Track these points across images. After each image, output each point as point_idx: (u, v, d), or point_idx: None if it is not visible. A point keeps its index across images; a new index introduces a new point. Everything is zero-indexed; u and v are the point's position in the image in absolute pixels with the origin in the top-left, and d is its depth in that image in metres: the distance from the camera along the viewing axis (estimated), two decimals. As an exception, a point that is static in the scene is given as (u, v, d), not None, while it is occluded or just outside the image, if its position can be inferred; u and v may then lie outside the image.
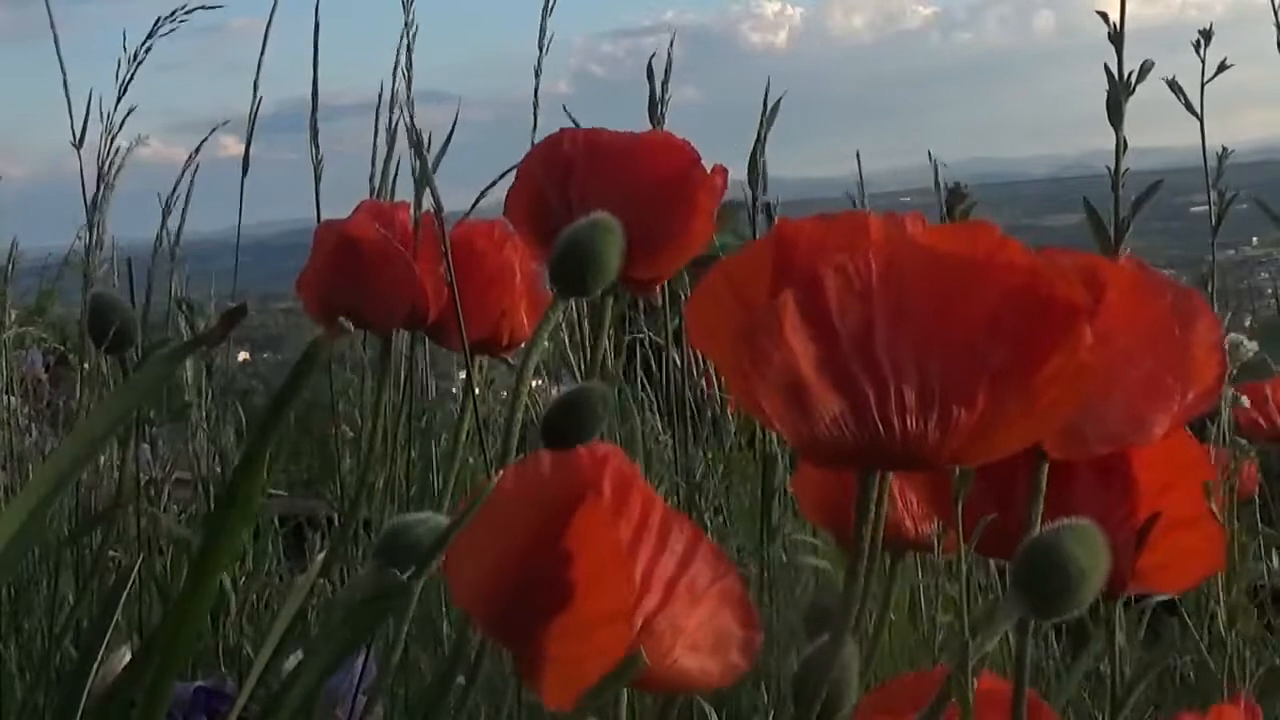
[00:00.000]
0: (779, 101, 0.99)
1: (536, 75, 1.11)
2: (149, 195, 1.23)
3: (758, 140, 1.01)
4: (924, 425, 0.48)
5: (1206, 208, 0.95)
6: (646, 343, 1.28)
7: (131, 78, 1.12)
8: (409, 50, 1.08)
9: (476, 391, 0.97)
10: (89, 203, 1.17)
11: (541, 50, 1.11)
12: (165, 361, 0.44)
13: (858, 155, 1.21)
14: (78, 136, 1.13)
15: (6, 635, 1.11)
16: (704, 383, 1.25)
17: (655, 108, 1.00)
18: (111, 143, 1.14)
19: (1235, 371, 0.90)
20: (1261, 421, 1.56)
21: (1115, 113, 0.69)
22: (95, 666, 0.55)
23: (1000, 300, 0.48)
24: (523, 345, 1.02)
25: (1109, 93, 0.69)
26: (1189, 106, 0.90)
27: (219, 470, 1.23)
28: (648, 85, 1.00)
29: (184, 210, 1.21)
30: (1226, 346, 0.80)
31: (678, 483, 1.11)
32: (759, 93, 1.01)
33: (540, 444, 0.66)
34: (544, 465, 0.53)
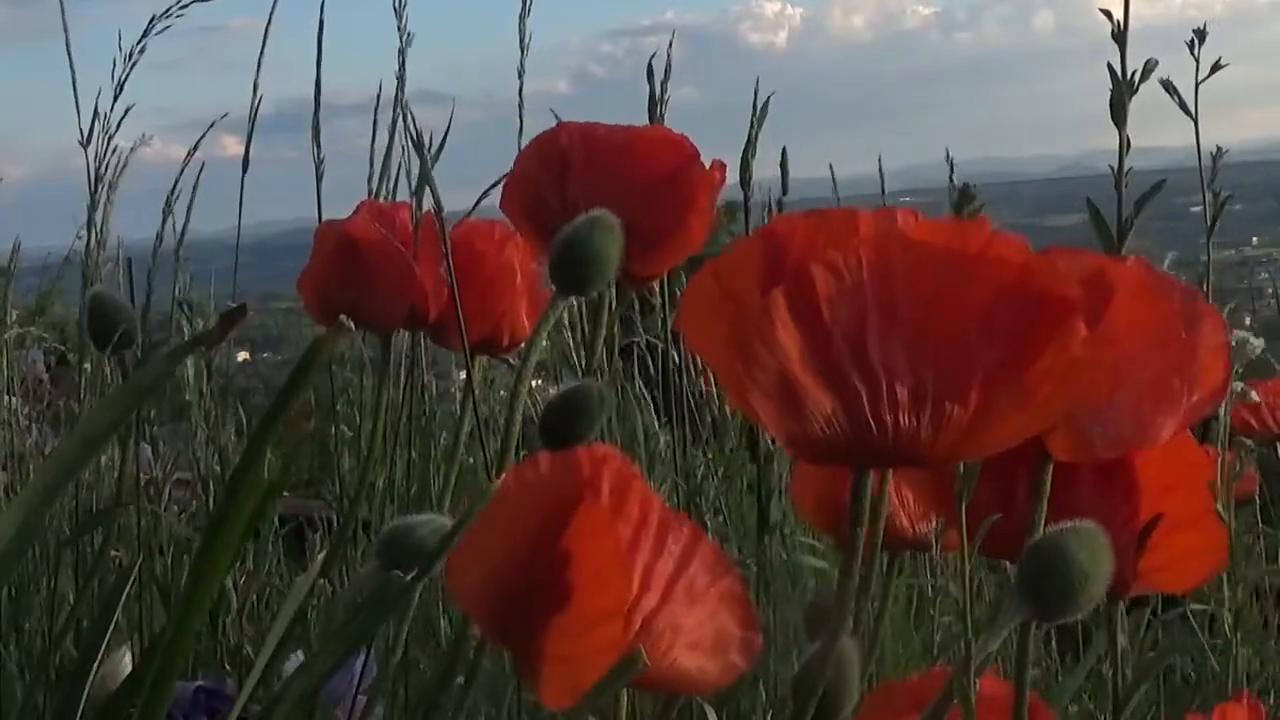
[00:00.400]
0: (768, 100, 0.99)
1: (520, 76, 1.11)
2: (149, 195, 1.23)
3: (749, 141, 1.01)
4: (916, 422, 0.47)
5: (1203, 209, 0.95)
6: (644, 343, 1.28)
7: (127, 77, 1.12)
8: (402, 52, 1.08)
9: (476, 391, 0.97)
10: (90, 202, 1.17)
11: (522, 51, 1.11)
12: (165, 361, 0.44)
13: (879, 159, 1.21)
14: (84, 135, 1.13)
15: (6, 635, 1.11)
16: (703, 382, 1.25)
17: (655, 107, 1.00)
18: (109, 142, 1.14)
19: (1241, 369, 0.90)
20: (1254, 422, 1.55)
21: (1118, 112, 0.69)
22: (95, 666, 0.55)
23: (992, 295, 0.47)
24: (523, 345, 1.02)
25: (1112, 92, 0.69)
26: (1183, 106, 0.90)
27: (219, 470, 1.23)
28: (647, 85, 1.00)
29: (188, 209, 1.21)
30: (1234, 343, 0.80)
31: (678, 483, 1.11)
32: (760, 92, 1.01)
33: (539, 443, 0.66)
34: (543, 466, 0.53)
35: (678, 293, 1.08)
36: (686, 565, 0.52)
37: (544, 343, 0.72)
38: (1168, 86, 0.87)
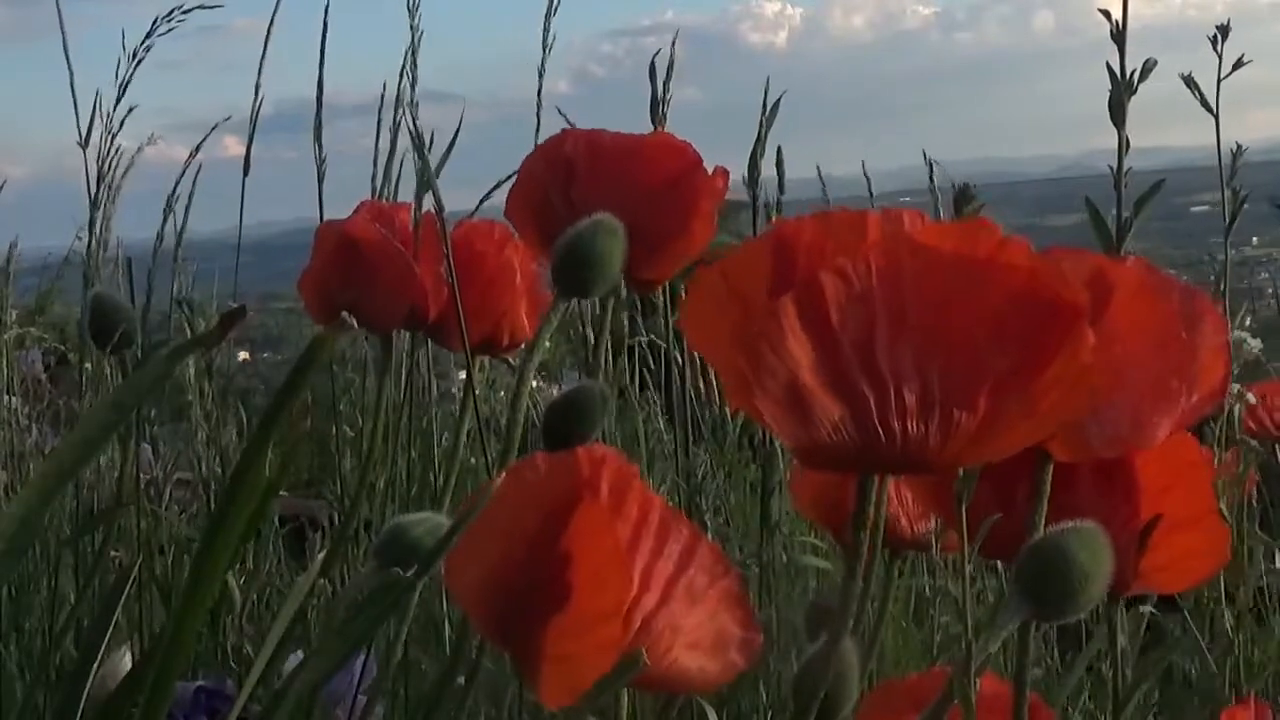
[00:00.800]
0: (779, 100, 0.99)
1: (540, 76, 1.11)
2: (150, 195, 1.23)
3: (758, 140, 1.01)
4: (925, 429, 0.47)
5: (1207, 208, 0.95)
6: (647, 344, 1.28)
7: (131, 77, 1.12)
8: (413, 52, 1.08)
9: (476, 391, 0.97)
10: (90, 202, 1.17)
11: (545, 50, 1.11)
12: (165, 361, 0.44)
13: (862, 161, 1.21)
14: (83, 136, 1.13)
15: (6, 635, 1.11)
16: (704, 384, 1.25)
17: (657, 107, 1.00)
18: (112, 142, 1.14)
19: (1239, 370, 0.89)
20: (1252, 424, 1.55)
21: (1118, 112, 0.69)
22: (95, 666, 0.55)
23: (1002, 302, 0.47)
24: (523, 345, 1.02)
25: (1111, 92, 0.69)
26: (1205, 104, 0.89)
27: (219, 470, 1.23)
28: (648, 85, 1.00)
29: (187, 209, 1.21)
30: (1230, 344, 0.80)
31: (679, 483, 1.11)
32: (759, 93, 1.01)
33: (540, 443, 0.66)
34: (542, 466, 0.53)
35: (680, 293, 1.08)
36: (686, 565, 0.52)
37: (545, 343, 0.72)
38: (1189, 82, 0.87)
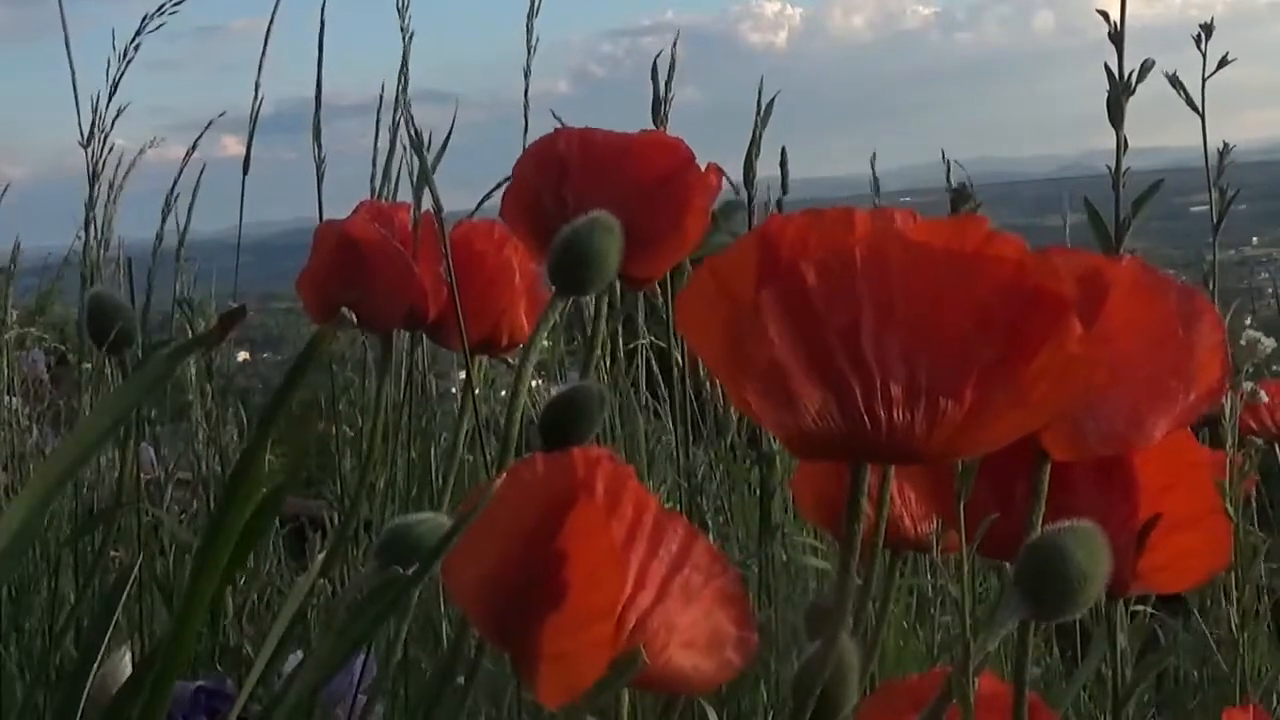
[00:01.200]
0: (772, 101, 0.99)
1: (526, 77, 1.11)
2: (150, 195, 1.23)
3: (753, 141, 1.01)
4: (911, 418, 0.47)
5: (1206, 208, 0.95)
6: (649, 344, 1.28)
7: (121, 76, 1.12)
8: (404, 53, 1.08)
9: (476, 391, 0.97)
10: (88, 201, 1.17)
11: (529, 51, 1.11)
12: (165, 362, 0.44)
13: (865, 160, 1.21)
14: (85, 135, 1.13)
15: (6, 635, 1.11)
16: (708, 383, 1.25)
17: (659, 107, 1.00)
18: (104, 141, 1.14)
19: (1251, 368, 0.89)
20: (1253, 424, 1.55)
21: (1116, 112, 0.69)
22: (95, 666, 0.55)
23: (987, 293, 0.47)
24: (522, 345, 1.02)
25: (1109, 92, 0.69)
26: (1190, 102, 0.89)
27: (220, 470, 1.23)
28: (648, 85, 1.00)
29: (189, 208, 1.21)
30: (1244, 343, 0.80)
31: (679, 483, 1.11)
32: (759, 92, 1.01)
33: (539, 443, 0.67)
34: (538, 467, 0.53)
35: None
36: (681, 564, 0.52)
37: (544, 342, 0.73)
38: (1174, 82, 0.87)
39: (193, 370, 1.28)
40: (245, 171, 1.24)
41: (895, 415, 0.47)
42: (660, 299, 1.11)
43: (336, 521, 1.22)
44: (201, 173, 1.23)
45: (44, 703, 0.91)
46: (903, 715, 0.62)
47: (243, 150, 1.25)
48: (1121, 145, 0.69)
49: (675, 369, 1.13)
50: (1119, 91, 0.69)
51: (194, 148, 1.20)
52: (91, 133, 1.13)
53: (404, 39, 1.09)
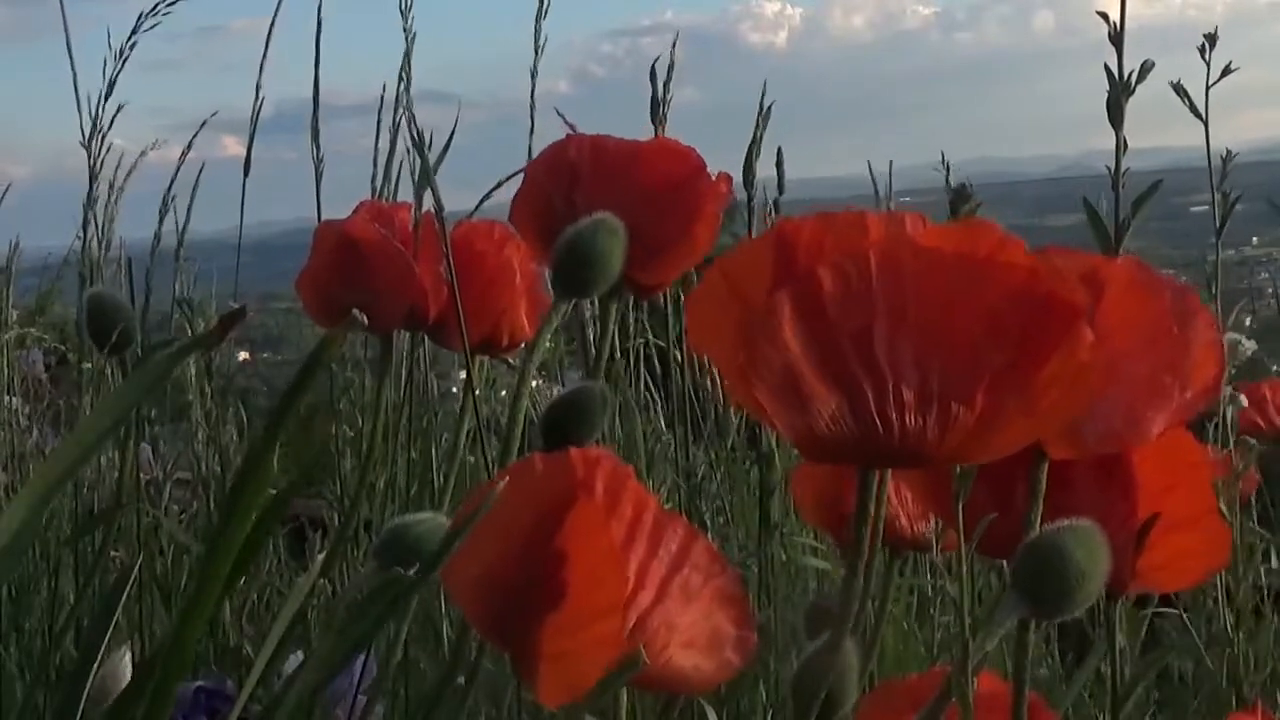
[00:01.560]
0: (771, 106, 1.00)
1: (533, 77, 1.12)
2: (150, 195, 1.23)
3: (753, 143, 1.01)
4: (923, 423, 0.48)
5: (1206, 208, 0.95)
6: (651, 345, 1.28)
7: (117, 75, 1.12)
8: (407, 54, 1.08)
9: (476, 391, 0.97)
10: (87, 201, 1.17)
11: (536, 53, 1.12)
12: (165, 362, 0.44)
13: (887, 161, 1.21)
14: (86, 136, 1.13)
15: (6, 635, 1.11)
16: (708, 383, 1.25)
17: (657, 109, 1.00)
18: (102, 141, 1.14)
19: (1234, 371, 0.89)
20: (1261, 422, 1.55)
21: (1115, 113, 0.69)
22: (95, 667, 0.55)
23: (1000, 300, 0.48)
24: (523, 345, 1.02)
25: (1109, 93, 0.69)
26: (1194, 110, 0.90)
27: (219, 470, 1.23)
28: (648, 85, 1.00)
29: (189, 208, 1.21)
30: (1225, 346, 0.80)
31: (679, 483, 1.11)
32: (759, 93, 1.01)
33: (540, 443, 0.67)
34: (537, 466, 0.53)
35: (683, 295, 1.08)
36: (681, 564, 0.53)
37: (546, 343, 0.73)
38: (1178, 89, 0.87)
39: (193, 370, 1.28)
40: (245, 172, 1.25)
41: (907, 419, 0.47)
42: (661, 299, 1.11)
43: (336, 521, 1.22)
44: (200, 173, 1.23)
45: (44, 703, 0.91)
46: (902, 715, 0.62)
47: (243, 150, 1.25)
48: (1121, 146, 0.69)
49: (675, 369, 1.13)
50: (1118, 92, 0.69)
51: (189, 148, 1.20)
52: (91, 132, 1.13)
53: (406, 39, 1.09)
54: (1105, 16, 0.70)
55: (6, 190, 1.46)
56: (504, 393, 1.37)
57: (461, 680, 0.68)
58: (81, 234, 1.19)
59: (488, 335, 1.01)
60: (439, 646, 1.02)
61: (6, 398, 1.44)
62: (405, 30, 1.09)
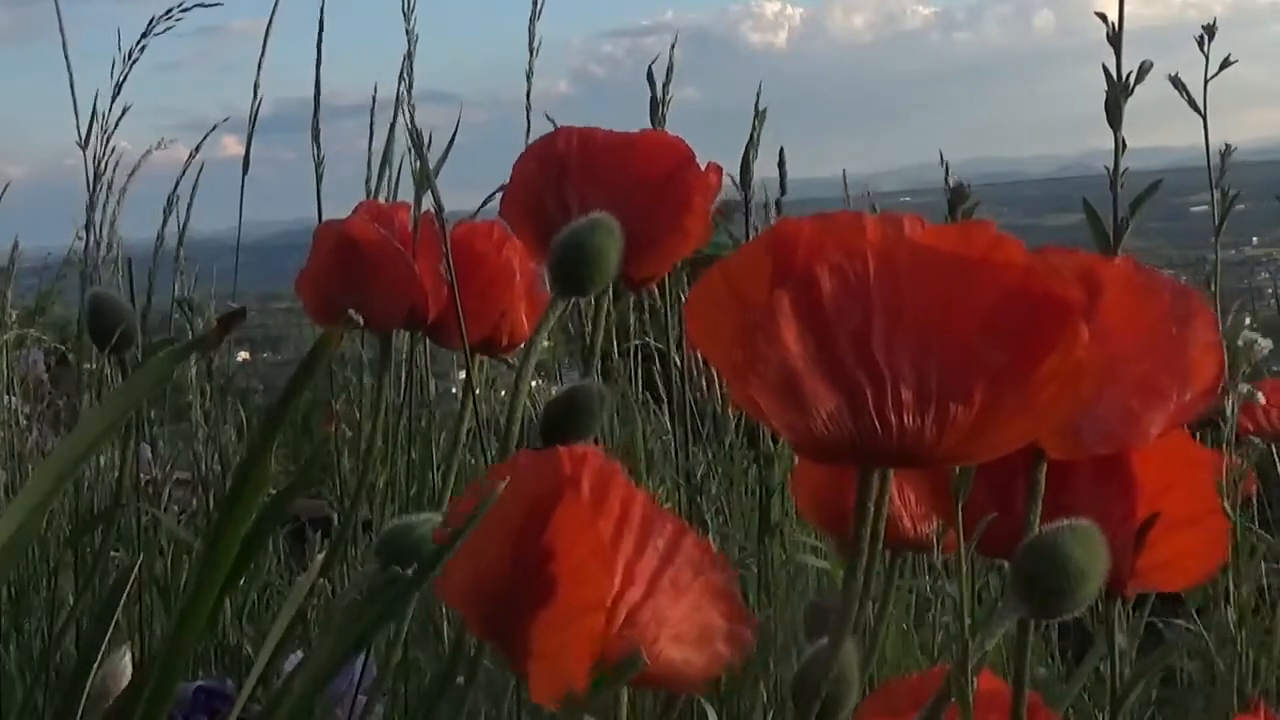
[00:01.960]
0: (766, 108, 1.00)
1: (529, 78, 1.12)
2: (150, 195, 1.23)
3: (750, 142, 1.01)
4: (921, 422, 0.48)
5: (1206, 208, 0.95)
6: (650, 345, 1.28)
7: (125, 78, 1.12)
8: (409, 56, 1.08)
9: (476, 391, 0.97)
10: (89, 202, 1.17)
11: (531, 54, 1.12)
12: (165, 362, 0.44)
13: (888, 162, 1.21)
14: (83, 136, 1.14)
15: (6, 635, 1.11)
16: (704, 383, 1.25)
17: (656, 109, 1.00)
18: (108, 142, 1.14)
19: (1249, 369, 0.89)
20: (1249, 424, 1.55)
21: (1114, 113, 0.69)
22: (95, 666, 0.55)
23: (996, 299, 0.48)
24: (522, 345, 1.02)
25: (1107, 93, 0.69)
26: (1192, 104, 0.89)
27: (219, 470, 1.23)
28: (648, 87, 1.00)
29: (189, 209, 1.21)
30: (1240, 344, 0.80)
31: (678, 482, 1.11)
32: (759, 93, 1.01)
33: (539, 443, 0.67)
34: (524, 464, 0.53)
35: (681, 295, 1.08)
36: (670, 560, 0.53)
37: (544, 343, 0.73)
38: (1177, 84, 0.87)
39: (193, 370, 1.28)
40: (245, 172, 1.25)
41: (906, 419, 0.48)
42: (661, 299, 1.11)
43: (336, 521, 1.22)
44: (200, 173, 1.23)
45: (44, 703, 0.91)
46: (902, 715, 0.62)
47: (242, 150, 1.25)
48: (1120, 146, 0.69)
49: (674, 369, 1.13)
50: (1117, 93, 0.69)
51: (197, 149, 1.20)
52: (90, 133, 1.13)
53: (408, 40, 1.09)
54: (1104, 17, 0.70)
55: (5, 189, 1.46)
56: (503, 393, 1.37)
57: (461, 680, 0.68)
58: (84, 234, 1.19)
59: (487, 335, 1.01)
60: (439, 646, 1.02)
61: (6, 398, 1.44)
62: (408, 32, 1.09)
